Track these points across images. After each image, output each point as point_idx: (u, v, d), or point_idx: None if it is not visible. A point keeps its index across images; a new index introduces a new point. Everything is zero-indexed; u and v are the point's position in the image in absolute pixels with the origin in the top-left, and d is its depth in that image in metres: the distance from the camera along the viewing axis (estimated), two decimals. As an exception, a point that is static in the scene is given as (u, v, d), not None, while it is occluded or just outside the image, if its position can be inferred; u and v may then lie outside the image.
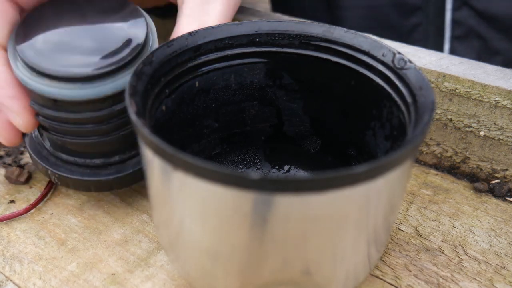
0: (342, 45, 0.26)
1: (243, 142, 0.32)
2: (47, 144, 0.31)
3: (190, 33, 0.27)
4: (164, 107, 0.26)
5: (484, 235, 0.30)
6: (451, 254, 0.29)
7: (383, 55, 0.25)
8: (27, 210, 0.32)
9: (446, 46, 0.51)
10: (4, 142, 0.30)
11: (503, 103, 0.32)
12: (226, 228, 0.20)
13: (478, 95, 0.32)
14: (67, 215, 0.32)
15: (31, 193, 0.34)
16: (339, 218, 0.20)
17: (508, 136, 0.33)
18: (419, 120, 0.21)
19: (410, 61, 0.24)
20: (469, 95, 0.33)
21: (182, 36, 0.26)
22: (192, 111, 0.29)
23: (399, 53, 0.25)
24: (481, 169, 0.35)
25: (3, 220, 0.31)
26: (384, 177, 0.19)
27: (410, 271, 0.28)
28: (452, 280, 0.27)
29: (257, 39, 0.28)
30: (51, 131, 0.29)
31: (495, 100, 0.32)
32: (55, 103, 0.27)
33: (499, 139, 0.33)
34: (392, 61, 0.25)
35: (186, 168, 0.19)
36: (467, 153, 0.35)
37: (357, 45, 0.26)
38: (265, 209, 0.19)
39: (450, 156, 0.35)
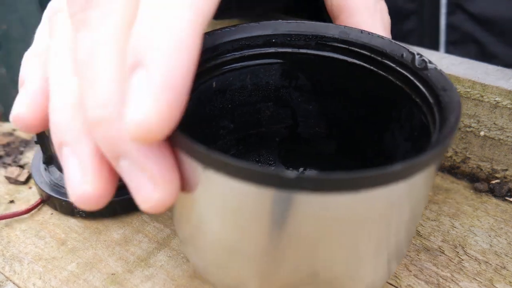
0: (358, 46, 0.26)
1: (258, 143, 0.32)
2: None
3: (207, 34, 0.26)
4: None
5: (484, 235, 0.30)
6: (451, 254, 0.29)
7: (402, 56, 0.25)
8: (28, 210, 0.32)
9: (442, 51, 0.51)
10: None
11: (503, 103, 0.32)
12: (247, 225, 0.20)
13: (478, 95, 0.32)
14: (67, 215, 0.32)
15: (31, 193, 0.34)
16: (362, 220, 0.20)
17: (508, 136, 0.33)
18: (445, 121, 0.21)
19: (430, 62, 0.24)
20: (469, 95, 0.33)
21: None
22: (209, 112, 0.29)
23: (418, 53, 0.24)
24: (481, 169, 0.35)
25: (3, 219, 0.31)
26: (412, 178, 0.19)
27: (410, 271, 0.28)
28: (452, 280, 0.27)
29: (274, 40, 0.28)
30: None
31: (495, 100, 0.32)
32: None
33: (499, 139, 0.33)
34: (412, 61, 0.24)
35: (217, 167, 0.18)
36: (467, 153, 0.35)
37: (374, 46, 0.26)
38: (287, 208, 0.19)
39: (450, 156, 0.35)
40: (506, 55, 0.48)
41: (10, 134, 0.39)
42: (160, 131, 0.17)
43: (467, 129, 0.34)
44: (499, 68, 0.33)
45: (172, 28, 0.17)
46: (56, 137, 0.21)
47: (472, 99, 0.33)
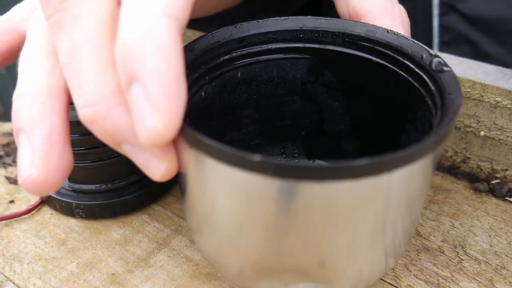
0: (383, 45, 0.26)
1: (283, 135, 0.32)
2: (65, 182, 0.32)
3: (235, 26, 0.27)
4: (203, 93, 0.27)
5: (484, 235, 0.30)
6: (451, 254, 0.29)
7: (422, 58, 0.25)
8: (29, 211, 0.32)
9: (435, 51, 0.50)
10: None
11: (503, 103, 0.32)
12: (250, 212, 0.21)
13: (478, 95, 0.32)
14: (67, 215, 0.32)
15: (31, 194, 0.33)
16: (357, 210, 0.20)
17: (508, 136, 0.33)
18: (440, 123, 0.21)
19: (447, 65, 0.24)
20: (469, 95, 0.33)
21: (227, 28, 0.27)
22: (232, 100, 0.29)
23: (437, 56, 0.24)
24: (481, 169, 0.35)
25: (3, 220, 0.31)
26: (390, 174, 0.19)
27: (410, 271, 0.28)
28: (452, 280, 0.27)
29: (301, 35, 0.28)
30: (76, 160, 0.30)
31: (495, 100, 0.32)
32: (79, 125, 0.28)
33: (499, 139, 0.33)
34: (430, 63, 0.24)
35: (218, 156, 0.19)
36: (467, 153, 0.35)
37: (398, 47, 0.26)
38: (288, 196, 0.19)
39: (450, 156, 0.35)
40: (500, 55, 0.48)
41: (10, 134, 0.39)
42: (169, 134, 0.18)
43: (467, 129, 0.34)
44: (499, 68, 0.33)
45: (154, 39, 0.18)
46: (15, 123, 0.22)
47: (472, 99, 0.33)
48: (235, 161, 0.19)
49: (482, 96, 0.32)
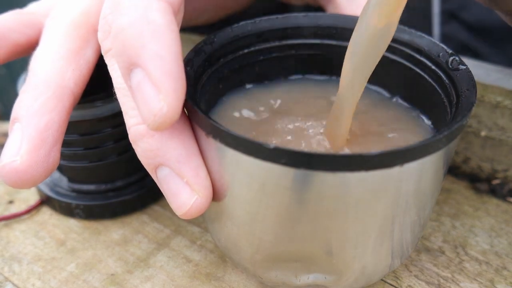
0: (399, 43, 0.27)
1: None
2: (65, 183, 0.32)
3: (254, 21, 0.27)
4: (221, 86, 0.27)
5: (485, 235, 0.30)
6: (452, 255, 0.29)
7: (439, 56, 0.25)
8: (28, 211, 0.32)
9: None
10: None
11: (504, 103, 0.32)
12: (267, 199, 0.21)
13: (479, 95, 0.32)
14: (66, 215, 0.32)
15: (30, 194, 0.33)
16: (367, 201, 0.20)
17: (509, 136, 0.32)
18: (452, 120, 0.21)
19: (463, 63, 0.24)
20: (469, 95, 0.33)
21: (246, 23, 0.27)
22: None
23: (453, 54, 0.25)
24: (482, 170, 0.34)
25: (3, 220, 0.31)
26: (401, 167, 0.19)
27: (411, 271, 0.28)
28: (452, 280, 0.27)
29: (319, 32, 0.28)
30: (75, 160, 0.30)
31: (496, 100, 0.32)
32: (79, 125, 0.29)
33: (500, 139, 0.33)
34: (447, 61, 0.25)
35: (234, 144, 0.19)
36: (468, 153, 0.35)
37: (414, 44, 0.26)
38: (300, 183, 0.19)
39: (451, 156, 0.35)
40: (502, 64, 0.47)
41: (10, 134, 0.39)
42: (174, 115, 0.19)
43: (468, 129, 0.34)
44: (500, 68, 0.33)
45: (150, 22, 0.19)
46: (13, 113, 0.23)
47: (473, 99, 0.33)
48: (250, 149, 0.19)
49: (483, 96, 0.32)
